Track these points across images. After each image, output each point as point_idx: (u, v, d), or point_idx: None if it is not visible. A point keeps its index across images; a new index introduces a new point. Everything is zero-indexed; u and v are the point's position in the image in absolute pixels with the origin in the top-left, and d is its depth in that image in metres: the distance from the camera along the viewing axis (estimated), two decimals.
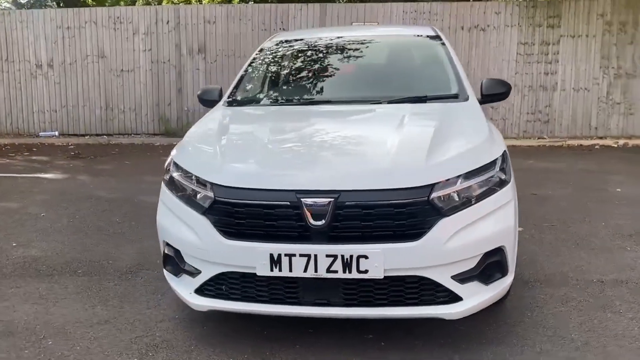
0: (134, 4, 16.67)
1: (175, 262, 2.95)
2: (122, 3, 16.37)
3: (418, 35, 4.41)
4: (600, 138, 10.01)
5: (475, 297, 2.71)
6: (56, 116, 10.87)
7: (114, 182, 6.90)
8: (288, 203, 2.62)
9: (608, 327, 3.08)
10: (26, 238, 4.79)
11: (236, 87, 4.05)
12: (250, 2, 14.51)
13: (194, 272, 2.85)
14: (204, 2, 17.28)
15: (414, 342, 2.95)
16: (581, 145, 9.54)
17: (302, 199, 2.60)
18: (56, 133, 10.80)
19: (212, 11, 10.54)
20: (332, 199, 2.59)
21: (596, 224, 4.94)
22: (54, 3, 15.30)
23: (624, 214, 5.24)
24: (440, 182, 2.63)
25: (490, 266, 2.73)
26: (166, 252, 3.02)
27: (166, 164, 3.21)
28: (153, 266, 4.10)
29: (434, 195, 2.60)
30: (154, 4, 16.52)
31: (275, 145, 3.02)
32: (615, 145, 9.46)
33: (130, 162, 8.38)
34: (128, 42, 10.58)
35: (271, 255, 2.61)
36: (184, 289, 2.92)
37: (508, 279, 2.85)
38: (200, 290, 2.85)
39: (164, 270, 3.11)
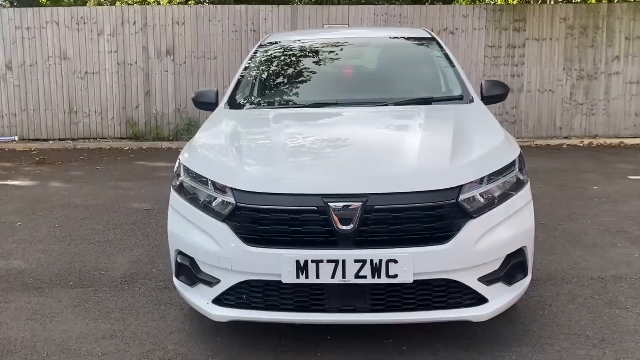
0: (85, 4, 16.12)
1: (190, 271, 2.83)
2: (79, 3, 15.81)
3: (415, 37, 4.42)
4: (565, 138, 10.32)
5: (500, 298, 2.72)
6: (15, 120, 10.39)
7: (88, 189, 6.63)
8: (315, 208, 2.56)
9: (619, 324, 3.14)
10: (5, 249, 4.53)
11: (235, 89, 3.93)
12: (206, 3, 14.23)
13: (212, 282, 2.74)
14: (162, 2, 16.91)
15: (435, 345, 2.93)
16: (549, 145, 9.82)
17: (329, 204, 2.54)
18: (15, 138, 10.33)
19: (181, 12, 10.32)
20: (361, 203, 2.54)
21: (583, 221, 5.07)
22: (7, 2, 14.63)
23: (606, 211, 5.40)
24: (467, 183, 2.62)
25: (514, 267, 2.75)
26: (179, 261, 2.90)
27: (175, 169, 3.09)
28: (149, 276, 3.94)
29: (461, 197, 2.59)
30: (107, 4, 16.03)
31: (296, 149, 2.95)
32: (581, 145, 9.78)
33: (102, 167, 8.08)
34: (92, 43, 10.23)
35: (297, 262, 2.54)
36: (201, 299, 2.81)
37: (528, 279, 2.87)
38: (219, 300, 2.74)
39: (176, 280, 2.98)
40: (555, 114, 10.53)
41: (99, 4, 16.91)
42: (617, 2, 10.60)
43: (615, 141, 9.93)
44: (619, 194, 6.05)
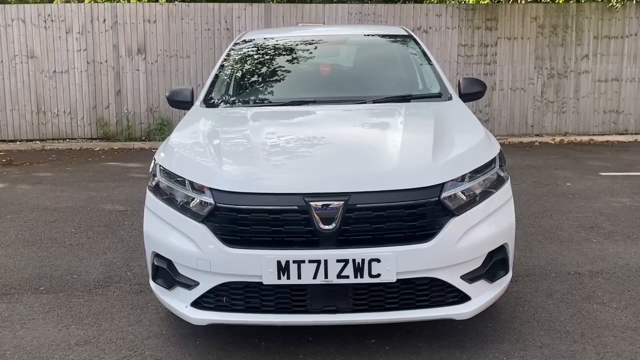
0: (52, 2, 15.70)
1: (167, 274, 2.75)
2: (45, 0, 15.38)
3: (392, 35, 4.39)
4: (537, 135, 10.47)
5: (483, 296, 2.71)
6: None
7: (58, 191, 6.45)
8: (296, 207, 2.51)
9: (597, 318, 3.17)
10: None
11: (211, 87, 3.85)
12: (177, 1, 13.99)
13: (191, 284, 2.67)
14: (132, 0, 16.57)
15: (418, 344, 2.91)
16: (522, 142, 9.95)
17: (310, 203, 2.50)
18: None
19: (152, 10, 10.12)
20: (342, 202, 2.50)
21: (558, 217, 5.13)
22: None
23: (579, 207, 5.48)
24: (449, 181, 2.60)
25: (495, 264, 2.74)
26: (156, 263, 2.82)
27: (151, 169, 3.00)
28: (124, 279, 3.84)
29: (444, 194, 2.57)
30: (74, 1, 15.65)
31: (276, 148, 2.89)
32: (553, 142, 9.93)
33: (72, 168, 7.87)
34: (61, 41, 9.96)
35: (279, 263, 2.49)
36: (179, 302, 2.73)
37: (509, 276, 2.87)
38: (198, 303, 2.68)
39: (152, 283, 2.90)
40: (527, 112, 10.67)
41: (67, 1, 16.48)
42: (584, 2, 10.78)
43: (585, 138, 10.11)
44: (592, 190, 6.15)
